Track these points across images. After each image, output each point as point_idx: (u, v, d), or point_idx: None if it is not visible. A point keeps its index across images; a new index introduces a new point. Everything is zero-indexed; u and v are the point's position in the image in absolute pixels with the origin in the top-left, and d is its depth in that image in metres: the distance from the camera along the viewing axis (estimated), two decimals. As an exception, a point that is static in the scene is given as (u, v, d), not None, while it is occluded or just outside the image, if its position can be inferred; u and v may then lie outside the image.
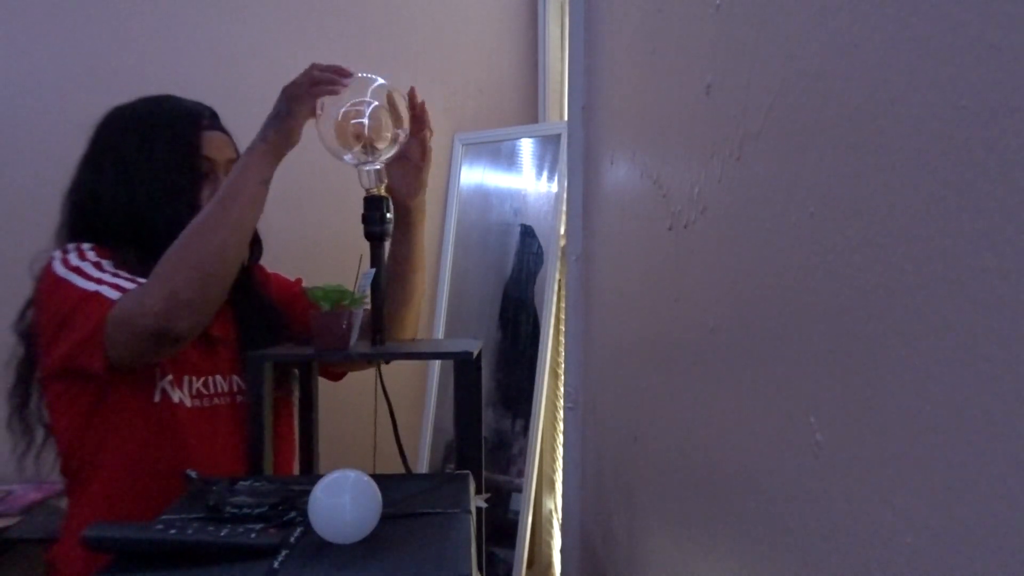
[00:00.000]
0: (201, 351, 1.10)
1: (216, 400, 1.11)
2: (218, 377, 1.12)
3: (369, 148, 1.04)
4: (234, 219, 1.01)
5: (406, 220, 1.18)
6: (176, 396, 1.06)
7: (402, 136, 1.08)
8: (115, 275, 1.02)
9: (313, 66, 1.04)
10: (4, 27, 1.72)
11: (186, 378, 1.08)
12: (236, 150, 1.18)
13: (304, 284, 1.29)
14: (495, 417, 1.83)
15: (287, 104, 1.04)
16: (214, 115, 1.18)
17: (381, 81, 1.07)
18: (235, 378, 1.14)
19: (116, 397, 1.03)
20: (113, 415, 1.04)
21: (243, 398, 1.13)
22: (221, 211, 1.01)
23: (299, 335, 1.19)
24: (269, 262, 1.30)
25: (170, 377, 1.06)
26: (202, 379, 1.10)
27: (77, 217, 1.12)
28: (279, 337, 1.16)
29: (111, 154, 1.11)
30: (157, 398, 1.05)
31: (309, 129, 1.03)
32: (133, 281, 1.01)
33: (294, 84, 1.04)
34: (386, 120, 1.06)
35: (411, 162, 1.16)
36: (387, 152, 1.06)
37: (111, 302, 0.97)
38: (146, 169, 1.09)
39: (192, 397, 1.08)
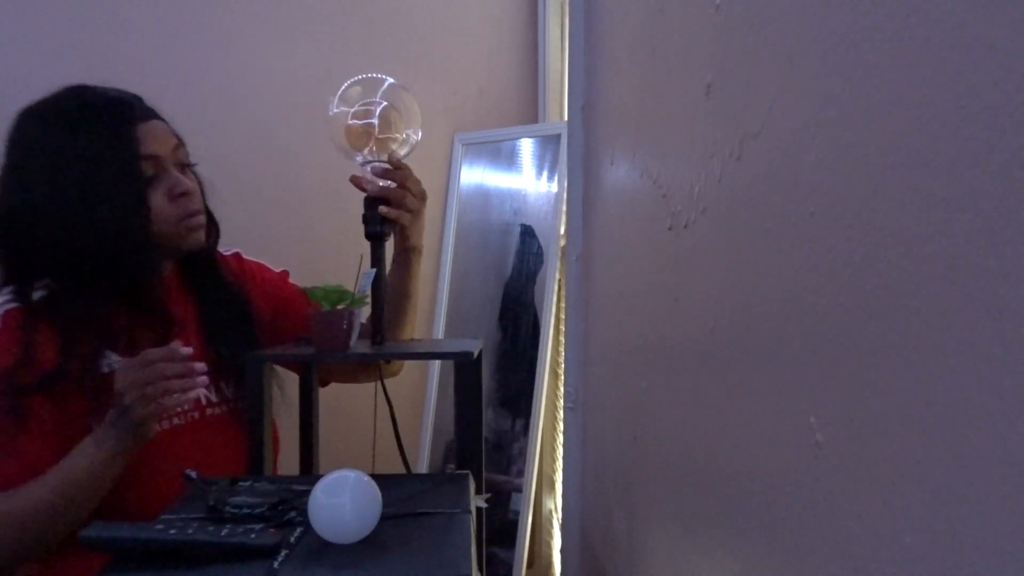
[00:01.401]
0: None
1: (176, 420, 1.04)
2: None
3: (378, 149, 1.04)
4: (71, 519, 0.91)
5: (405, 258, 1.15)
6: None
7: (412, 137, 1.08)
8: None
9: (147, 361, 0.91)
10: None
11: None
12: (175, 133, 1.07)
13: (304, 284, 1.28)
14: (495, 417, 1.83)
15: (141, 415, 0.91)
16: (140, 100, 1.06)
17: (391, 81, 1.07)
18: (202, 391, 1.04)
19: (67, 444, 0.94)
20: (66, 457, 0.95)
21: (212, 410, 1.08)
22: (56, 511, 0.90)
23: (293, 339, 1.13)
24: (269, 262, 1.29)
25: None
26: None
27: (13, 246, 1.00)
28: (254, 347, 1.09)
29: (38, 169, 0.98)
30: None
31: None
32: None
33: (138, 401, 0.90)
34: (396, 121, 1.05)
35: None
36: (397, 152, 1.06)
37: None
38: (83, 188, 0.97)
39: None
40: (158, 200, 1.02)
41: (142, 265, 1.02)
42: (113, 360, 1.00)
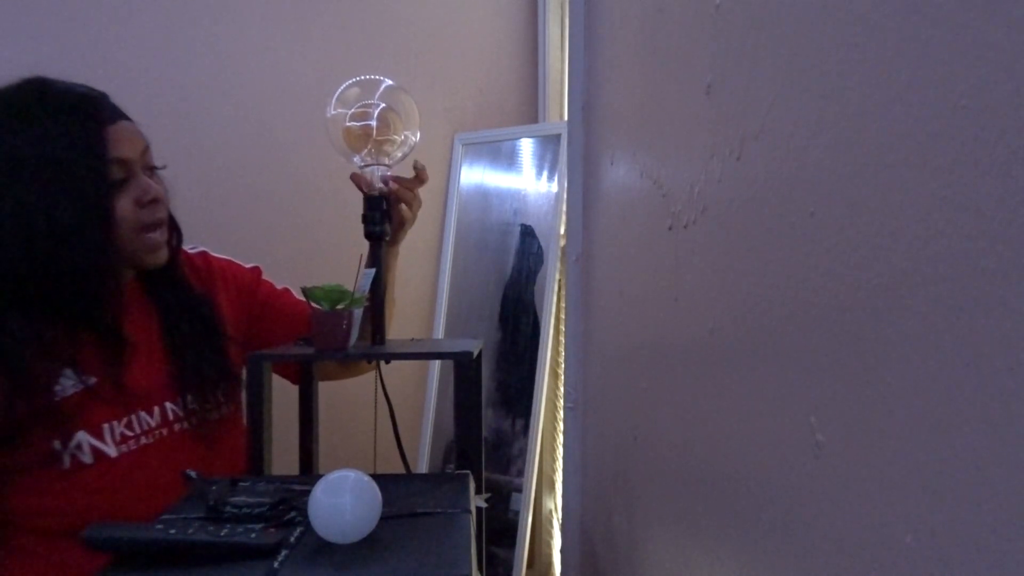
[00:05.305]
0: (117, 394, 0.97)
1: (144, 439, 0.98)
2: (142, 414, 0.99)
3: (376, 151, 1.05)
4: None
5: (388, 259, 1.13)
6: (87, 458, 0.93)
7: (411, 139, 1.08)
8: None
9: None
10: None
11: (106, 426, 0.95)
12: (143, 135, 1.00)
13: (304, 284, 1.26)
14: (495, 417, 1.83)
15: None
16: (107, 98, 0.98)
17: (389, 83, 1.07)
18: (169, 406, 1.01)
19: (19, 480, 0.90)
20: (20, 494, 0.92)
21: (180, 425, 1.02)
22: None
23: (275, 341, 1.12)
24: (269, 263, 1.29)
25: (78, 439, 0.92)
26: (124, 420, 0.97)
27: None
28: (220, 357, 1.07)
29: None
30: (67, 464, 0.92)
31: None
32: None
33: None
34: (394, 122, 1.05)
35: (396, 218, 1.10)
36: (395, 154, 1.07)
37: None
38: (43, 192, 0.89)
39: (117, 444, 0.95)
40: (125, 207, 0.95)
41: (101, 281, 0.95)
42: (67, 385, 0.94)
